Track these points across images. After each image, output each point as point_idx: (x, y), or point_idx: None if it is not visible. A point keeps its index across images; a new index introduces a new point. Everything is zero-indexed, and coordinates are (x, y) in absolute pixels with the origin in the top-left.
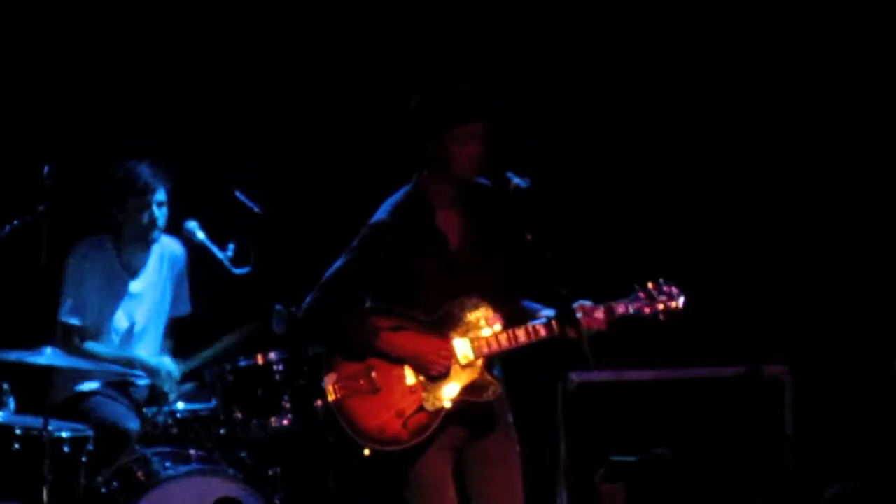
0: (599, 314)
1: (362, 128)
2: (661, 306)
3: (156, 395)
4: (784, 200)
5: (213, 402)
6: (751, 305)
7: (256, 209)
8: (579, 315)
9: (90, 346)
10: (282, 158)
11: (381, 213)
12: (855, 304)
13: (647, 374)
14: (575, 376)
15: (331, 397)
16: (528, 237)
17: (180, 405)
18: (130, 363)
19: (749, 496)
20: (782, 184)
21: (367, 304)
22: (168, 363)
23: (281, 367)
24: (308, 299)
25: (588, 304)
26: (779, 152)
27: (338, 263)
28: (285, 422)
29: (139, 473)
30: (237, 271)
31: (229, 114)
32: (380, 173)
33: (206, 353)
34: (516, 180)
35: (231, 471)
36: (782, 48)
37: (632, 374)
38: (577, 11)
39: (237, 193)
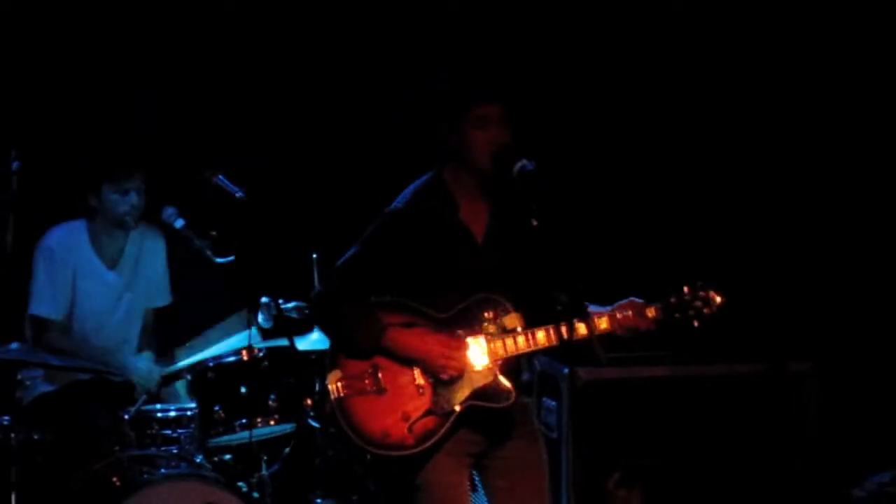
0: (651, 312)
1: (351, 112)
2: (696, 312)
3: (131, 394)
4: (806, 192)
5: (194, 402)
6: (772, 300)
7: (239, 194)
8: (627, 313)
9: (62, 341)
10: (265, 142)
11: (401, 203)
12: (880, 299)
13: (659, 371)
14: (583, 373)
15: (333, 396)
16: (534, 223)
17: (158, 405)
18: (105, 362)
19: (773, 498)
20: (806, 177)
21: (382, 298)
22: (146, 363)
23: (267, 364)
24: (317, 289)
25: (639, 301)
26: (808, 146)
27: (351, 252)
28: (272, 423)
29: (115, 479)
30: (219, 260)
31: (210, 96)
32: (372, 159)
33: (191, 358)
34: (522, 162)
35: (213, 474)
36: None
37: (643, 371)
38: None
39: (218, 178)
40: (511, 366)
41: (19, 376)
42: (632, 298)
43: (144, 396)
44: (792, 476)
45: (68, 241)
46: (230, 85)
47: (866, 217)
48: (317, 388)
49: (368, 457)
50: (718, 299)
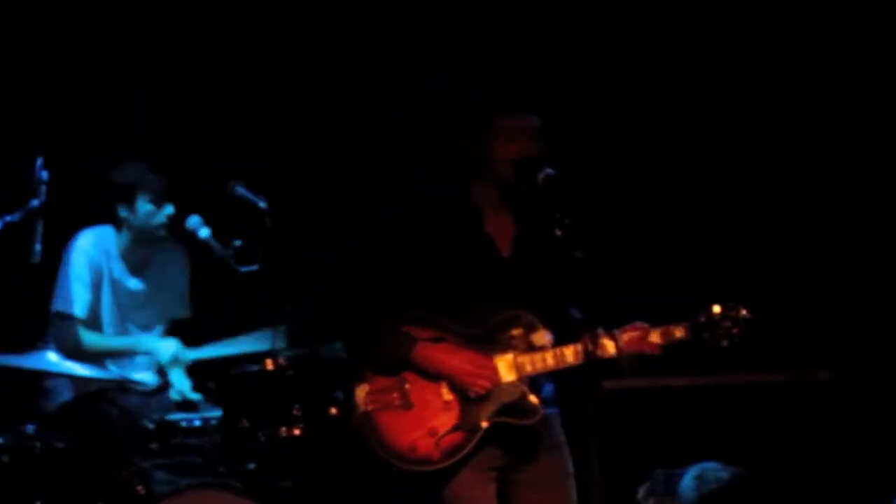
0: (656, 337)
1: (369, 118)
2: (724, 331)
3: (155, 402)
4: (830, 198)
5: (219, 411)
6: (797, 308)
7: (261, 204)
8: (632, 335)
9: (86, 335)
10: (285, 151)
11: (418, 211)
12: None
13: (683, 381)
14: (605, 383)
15: (360, 409)
16: (557, 233)
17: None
18: (132, 349)
19: None
20: (832, 183)
21: (411, 312)
22: (173, 345)
23: (291, 373)
24: (334, 302)
25: (643, 325)
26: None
27: (368, 262)
28: (296, 432)
29: (139, 487)
30: (242, 269)
31: (231, 106)
32: (389, 166)
33: (216, 350)
34: (546, 170)
35: (238, 484)
36: None
37: (668, 381)
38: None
39: (239, 188)
40: (533, 379)
41: (46, 385)
42: (635, 322)
43: (175, 395)
44: (817, 485)
45: (98, 244)
46: (249, 93)
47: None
48: (340, 396)
49: (394, 470)
50: (748, 317)
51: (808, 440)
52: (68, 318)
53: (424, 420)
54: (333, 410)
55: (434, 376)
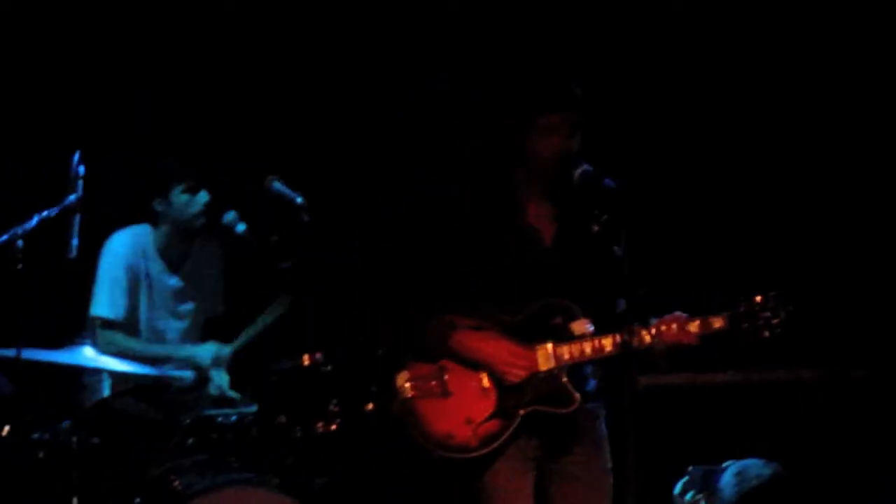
0: (694, 327)
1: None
2: (765, 322)
3: (191, 399)
4: (865, 193)
5: (255, 407)
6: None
7: (298, 199)
8: (672, 327)
9: (125, 340)
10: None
11: (461, 202)
12: None
13: (720, 377)
14: (642, 378)
15: (400, 396)
16: (595, 228)
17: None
18: (170, 356)
19: None
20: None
21: (450, 300)
22: (211, 347)
23: (328, 368)
24: (370, 289)
25: (682, 315)
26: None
27: (410, 251)
28: (333, 427)
29: (175, 483)
30: (282, 266)
31: (266, 102)
32: (430, 157)
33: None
34: (584, 167)
35: (275, 480)
36: None
37: (704, 377)
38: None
39: (276, 184)
40: (577, 372)
41: (84, 380)
42: (676, 313)
43: (213, 390)
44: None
45: (133, 245)
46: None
47: None
48: (375, 392)
49: (434, 458)
50: (789, 309)
51: (846, 438)
52: (106, 322)
53: (462, 408)
54: (370, 406)
55: (473, 364)
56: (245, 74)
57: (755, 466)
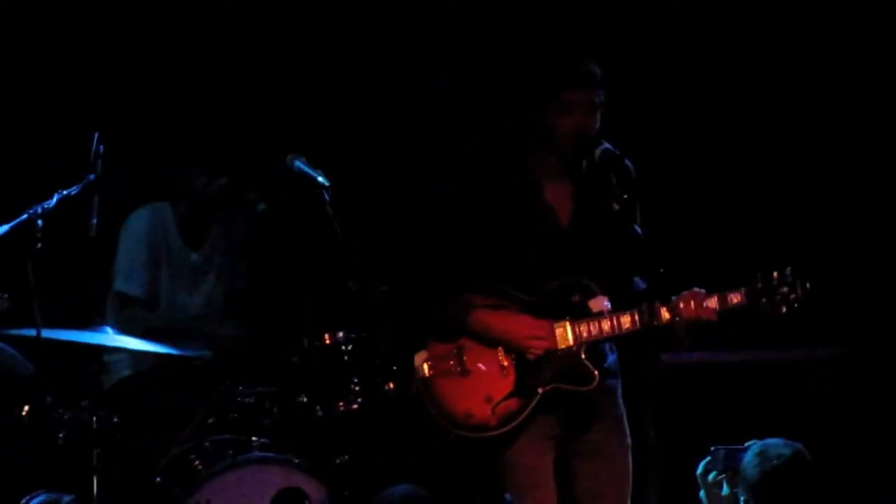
0: (712, 303)
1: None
2: (783, 297)
3: (212, 377)
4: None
5: (276, 386)
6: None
7: (320, 178)
8: (690, 303)
9: (148, 318)
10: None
11: (479, 182)
12: None
13: (741, 356)
14: (664, 356)
15: (419, 375)
16: (615, 207)
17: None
18: (191, 333)
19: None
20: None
21: (468, 279)
22: (232, 328)
23: (350, 348)
24: (390, 271)
25: (700, 291)
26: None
27: (429, 232)
28: (354, 406)
29: (196, 463)
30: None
31: (266, 102)
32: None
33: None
34: (604, 145)
35: (295, 460)
36: None
37: (725, 356)
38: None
39: (297, 162)
40: (596, 349)
41: (105, 359)
42: (694, 289)
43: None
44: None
45: (153, 222)
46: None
47: None
48: (396, 370)
49: (452, 437)
50: (808, 286)
51: (869, 417)
52: (127, 299)
53: (481, 387)
54: (391, 385)
55: (491, 342)
56: (245, 74)
57: (776, 446)
